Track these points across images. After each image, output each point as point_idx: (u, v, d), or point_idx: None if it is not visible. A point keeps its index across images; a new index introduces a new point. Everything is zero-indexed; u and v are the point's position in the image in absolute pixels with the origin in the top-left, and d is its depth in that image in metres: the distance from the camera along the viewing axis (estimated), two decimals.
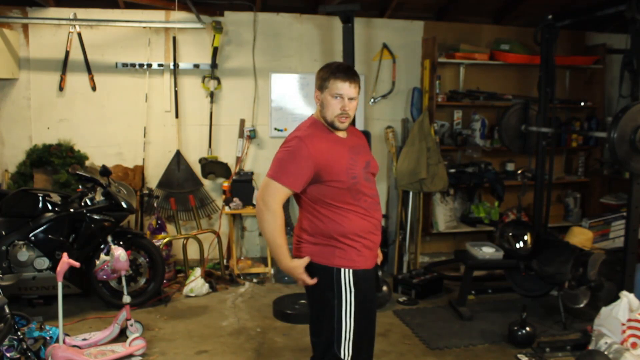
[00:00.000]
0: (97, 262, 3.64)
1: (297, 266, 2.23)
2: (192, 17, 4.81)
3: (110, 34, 4.88)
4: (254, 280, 4.85)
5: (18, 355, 2.96)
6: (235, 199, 4.87)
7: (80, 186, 4.11)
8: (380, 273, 2.47)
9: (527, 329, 3.58)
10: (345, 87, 2.20)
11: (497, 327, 3.87)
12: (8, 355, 2.92)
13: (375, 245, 2.34)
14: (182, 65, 4.98)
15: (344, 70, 2.23)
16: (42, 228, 3.87)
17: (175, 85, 4.96)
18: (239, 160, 5.13)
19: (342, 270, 2.21)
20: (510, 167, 5.51)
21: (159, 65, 4.95)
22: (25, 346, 2.97)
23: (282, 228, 2.21)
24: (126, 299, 3.50)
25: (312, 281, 2.23)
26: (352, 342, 2.23)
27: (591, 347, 3.33)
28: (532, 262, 4.14)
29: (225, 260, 4.96)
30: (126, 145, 5.02)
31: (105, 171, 3.98)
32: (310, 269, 2.27)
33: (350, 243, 2.23)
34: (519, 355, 3.46)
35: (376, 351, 3.49)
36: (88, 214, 3.91)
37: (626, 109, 3.27)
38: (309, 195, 2.24)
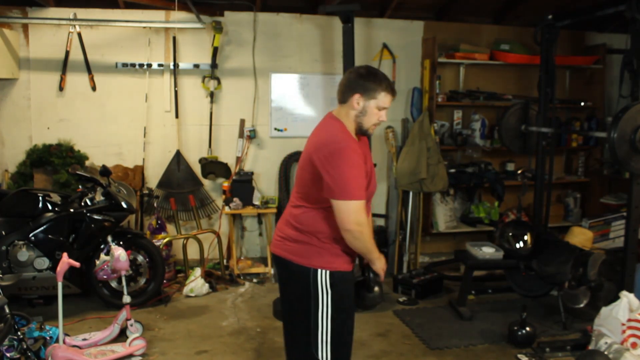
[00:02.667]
0: (97, 262, 3.64)
1: (382, 261, 2.33)
2: (192, 17, 4.81)
3: (110, 34, 4.88)
4: (254, 280, 4.85)
5: (18, 355, 2.96)
6: (235, 199, 4.87)
7: (80, 186, 4.11)
8: (372, 275, 2.46)
9: (527, 329, 3.58)
10: (389, 102, 2.25)
11: (497, 327, 3.87)
12: (8, 355, 2.92)
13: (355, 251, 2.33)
14: (182, 65, 4.99)
15: (393, 86, 2.27)
16: (42, 228, 3.87)
17: (175, 85, 4.96)
18: (239, 160, 5.13)
19: (320, 271, 2.20)
20: (510, 167, 5.51)
21: (159, 65, 4.95)
22: (25, 346, 2.97)
23: (370, 234, 2.24)
24: (126, 299, 3.49)
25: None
26: (330, 344, 2.22)
27: (591, 347, 3.33)
28: (532, 262, 4.14)
29: (225, 260, 4.96)
30: (126, 145, 5.02)
31: (105, 171, 3.98)
32: (288, 268, 2.27)
33: (334, 245, 2.23)
34: (519, 355, 3.46)
35: (376, 351, 3.51)
36: (88, 214, 3.91)
37: (626, 109, 3.27)
38: (322, 192, 2.18)
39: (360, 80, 2.21)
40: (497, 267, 4.59)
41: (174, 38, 4.93)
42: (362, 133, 2.28)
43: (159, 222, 4.83)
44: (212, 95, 5.03)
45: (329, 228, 2.21)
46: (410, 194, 5.07)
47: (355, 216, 2.11)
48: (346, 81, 2.26)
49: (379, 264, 2.30)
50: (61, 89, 4.85)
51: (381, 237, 5.08)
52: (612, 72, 5.67)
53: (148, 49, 4.93)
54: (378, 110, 2.23)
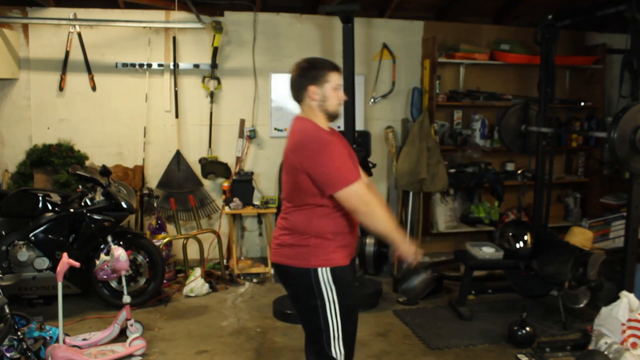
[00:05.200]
0: (97, 262, 3.64)
1: (407, 242, 2.27)
2: (192, 17, 4.81)
3: (110, 34, 4.88)
4: (254, 280, 4.85)
5: (18, 355, 2.96)
6: (235, 199, 4.87)
7: (80, 186, 4.10)
8: (402, 265, 2.48)
9: (527, 329, 3.57)
10: (340, 79, 2.31)
11: (497, 327, 3.87)
12: (8, 355, 2.92)
13: (351, 244, 2.36)
14: (182, 65, 4.99)
15: (335, 63, 2.33)
16: (42, 228, 3.87)
17: (175, 85, 4.96)
18: (239, 160, 5.13)
19: (320, 269, 2.22)
20: (510, 167, 5.50)
21: (159, 65, 4.95)
22: (25, 346, 2.97)
23: (387, 213, 2.24)
24: (126, 299, 3.49)
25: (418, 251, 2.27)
26: (342, 341, 2.24)
27: (591, 347, 3.33)
28: (532, 262, 4.14)
29: (225, 260, 4.96)
30: (126, 145, 5.02)
31: (105, 171, 3.98)
32: (287, 273, 2.29)
33: (329, 243, 2.23)
34: (519, 355, 3.46)
35: (376, 351, 3.51)
36: (88, 214, 3.91)
37: (626, 109, 3.27)
38: (308, 193, 2.22)
39: (307, 72, 2.28)
40: (497, 267, 4.59)
41: (174, 38, 4.93)
42: (332, 117, 2.32)
43: (159, 222, 4.83)
44: (212, 95, 5.03)
45: (320, 226, 2.23)
46: (410, 194, 5.07)
47: (359, 198, 2.15)
48: (295, 80, 2.32)
49: (403, 246, 2.25)
50: (61, 89, 4.85)
51: (381, 237, 5.07)
52: (612, 72, 5.67)
53: (148, 49, 4.93)
54: (335, 91, 2.29)
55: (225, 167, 5.02)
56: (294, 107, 5.37)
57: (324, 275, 2.21)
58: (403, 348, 3.60)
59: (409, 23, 5.35)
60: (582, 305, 3.84)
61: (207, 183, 5.15)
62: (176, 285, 4.68)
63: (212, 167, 5.00)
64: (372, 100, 5.34)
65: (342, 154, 2.20)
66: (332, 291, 2.22)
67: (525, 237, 4.56)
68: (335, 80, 2.28)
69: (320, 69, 2.28)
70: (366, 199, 2.17)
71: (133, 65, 4.91)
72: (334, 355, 2.24)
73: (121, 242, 3.99)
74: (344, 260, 2.28)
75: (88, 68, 4.86)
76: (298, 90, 2.31)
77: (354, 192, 2.14)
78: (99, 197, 3.99)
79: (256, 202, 4.94)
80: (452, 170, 5.15)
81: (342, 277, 2.24)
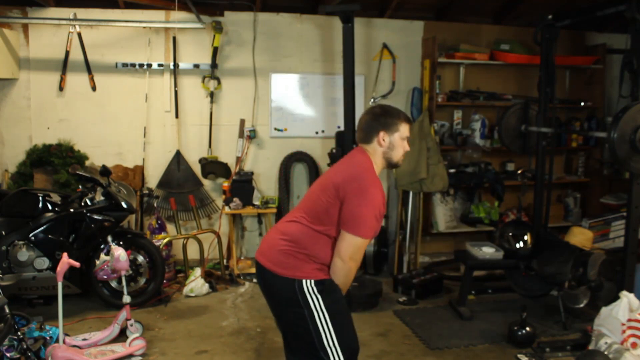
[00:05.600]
0: (97, 262, 3.64)
1: None
2: (192, 17, 4.81)
3: (110, 34, 4.88)
4: (254, 280, 4.85)
5: (18, 355, 2.96)
6: (235, 199, 4.87)
7: (80, 186, 4.11)
8: None
9: (527, 329, 3.57)
10: (409, 132, 2.38)
11: (497, 327, 3.87)
12: (8, 355, 2.92)
13: None
14: (182, 65, 4.99)
15: (407, 115, 2.41)
16: (42, 228, 3.87)
17: (175, 85, 4.97)
18: (239, 160, 5.13)
19: (304, 281, 2.20)
20: (510, 167, 5.50)
21: (159, 65, 4.95)
22: (25, 346, 2.97)
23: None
24: (126, 299, 3.49)
25: None
26: (338, 345, 2.21)
27: (591, 347, 3.33)
28: (532, 262, 4.14)
29: (225, 260, 4.96)
30: (126, 145, 5.02)
31: (105, 171, 3.98)
32: (271, 278, 2.26)
33: (314, 265, 2.24)
34: (519, 355, 3.46)
35: (376, 351, 3.51)
36: (88, 214, 3.91)
37: (626, 109, 3.27)
38: (329, 219, 2.23)
39: (380, 118, 2.33)
40: (497, 267, 4.59)
41: (174, 38, 4.93)
42: (392, 167, 2.39)
43: (159, 222, 4.83)
44: (212, 95, 5.03)
45: (323, 255, 2.24)
46: (410, 194, 5.06)
47: (356, 252, 2.22)
48: (366, 124, 2.35)
49: None
50: (61, 89, 4.85)
51: (381, 237, 5.08)
52: (612, 72, 5.67)
53: (148, 49, 4.93)
54: (402, 141, 2.34)
55: (225, 167, 5.02)
56: (293, 107, 5.35)
57: (309, 286, 2.20)
58: (403, 348, 3.60)
59: (409, 23, 5.35)
60: (582, 305, 3.85)
61: (207, 183, 5.15)
62: (176, 285, 4.68)
63: (212, 167, 5.00)
64: (372, 100, 5.34)
65: (380, 208, 2.23)
66: (318, 300, 2.20)
67: (525, 237, 4.56)
68: (405, 131, 2.34)
69: (394, 117, 2.33)
70: (357, 257, 2.24)
71: (133, 65, 4.92)
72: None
73: (121, 242, 4.00)
74: (327, 276, 2.28)
75: (88, 68, 4.86)
76: (368, 134, 2.34)
77: (356, 244, 2.19)
78: (99, 197, 3.99)
79: (256, 202, 4.94)
80: (452, 170, 5.15)
81: (327, 285, 2.23)
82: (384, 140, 2.30)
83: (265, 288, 2.35)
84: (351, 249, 2.20)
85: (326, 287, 2.22)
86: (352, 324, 2.33)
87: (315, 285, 2.21)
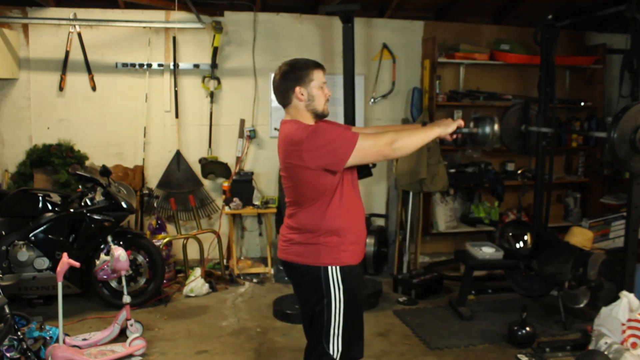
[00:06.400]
0: (97, 262, 3.64)
1: (445, 122, 2.27)
2: (192, 17, 4.81)
3: (110, 34, 4.88)
4: (254, 280, 4.85)
5: (18, 355, 2.96)
6: (235, 199, 4.87)
7: (80, 186, 4.11)
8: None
9: (527, 329, 3.57)
10: (324, 76, 2.31)
11: (497, 327, 3.87)
12: (8, 355, 2.92)
13: (362, 240, 2.36)
14: (182, 65, 4.99)
15: (316, 61, 2.32)
16: (42, 228, 3.87)
17: (175, 85, 4.96)
18: (239, 160, 5.13)
19: (330, 268, 2.22)
20: (510, 167, 5.50)
21: (159, 65, 4.95)
22: (25, 346, 2.97)
23: (408, 128, 2.31)
24: (126, 299, 3.49)
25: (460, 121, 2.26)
26: (340, 339, 2.25)
27: (591, 347, 3.33)
28: (532, 262, 4.14)
29: (225, 260, 4.96)
30: (126, 145, 5.02)
31: (105, 171, 3.98)
32: (297, 270, 2.29)
33: (338, 239, 2.23)
34: (519, 355, 3.46)
35: (376, 351, 3.51)
36: (88, 214, 3.91)
37: (626, 109, 3.26)
38: (314, 190, 2.21)
39: (290, 75, 2.27)
40: (497, 267, 4.59)
41: (174, 38, 4.93)
42: (320, 116, 2.32)
43: (159, 222, 4.83)
44: (212, 95, 5.03)
45: (329, 222, 2.23)
46: (410, 194, 5.06)
47: (374, 145, 2.13)
48: (279, 84, 2.30)
49: (444, 130, 2.24)
50: (61, 89, 4.85)
51: (381, 237, 5.08)
52: (612, 72, 5.67)
53: (148, 49, 4.93)
54: (321, 89, 2.28)
55: (225, 167, 5.01)
56: None
57: (333, 274, 2.22)
58: (403, 348, 3.60)
59: (409, 23, 5.35)
60: (582, 305, 3.85)
61: (207, 183, 5.15)
62: (176, 285, 4.68)
63: (212, 167, 5.00)
64: (372, 100, 5.34)
65: (333, 129, 2.18)
66: (340, 290, 2.22)
67: (525, 237, 4.56)
68: (319, 78, 2.28)
69: (303, 69, 2.27)
70: (380, 141, 2.13)
71: (133, 65, 4.91)
72: (331, 351, 2.25)
73: (121, 242, 4.00)
74: (354, 258, 2.29)
75: (88, 68, 4.86)
76: (283, 94, 2.29)
77: (363, 146, 2.12)
78: (99, 197, 3.99)
79: (256, 202, 4.94)
80: (452, 170, 5.15)
81: (351, 276, 2.25)
82: (302, 94, 2.26)
83: (294, 281, 2.38)
84: (371, 153, 2.14)
85: (349, 275, 2.24)
86: (362, 324, 2.36)
87: (340, 272, 2.22)
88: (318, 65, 2.30)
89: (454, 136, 2.31)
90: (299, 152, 2.16)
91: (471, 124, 2.42)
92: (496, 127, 2.41)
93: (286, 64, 2.31)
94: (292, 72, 2.27)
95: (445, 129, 2.24)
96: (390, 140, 2.14)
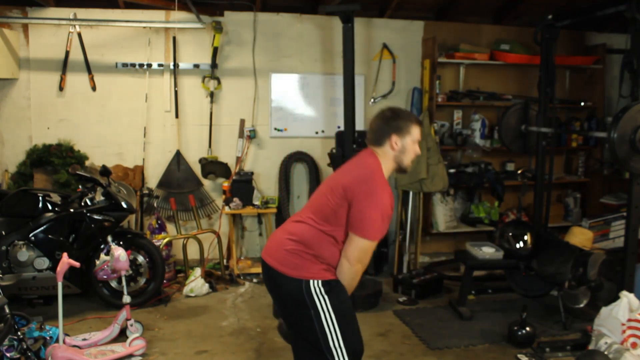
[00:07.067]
0: (97, 262, 3.64)
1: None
2: (192, 17, 4.81)
3: (110, 34, 4.88)
4: (254, 280, 4.85)
5: (18, 355, 2.96)
6: (235, 199, 4.87)
7: (80, 186, 4.10)
8: None
9: (527, 329, 3.57)
10: (420, 134, 2.36)
11: (497, 327, 3.87)
12: (8, 355, 2.92)
13: None
14: (182, 65, 4.99)
15: (418, 117, 2.41)
16: (42, 228, 3.87)
17: (175, 85, 4.97)
18: (239, 160, 5.13)
19: (311, 281, 2.21)
20: (510, 167, 5.50)
21: (159, 65, 4.95)
22: (25, 346, 2.97)
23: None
24: (126, 299, 3.49)
25: None
26: (344, 346, 2.22)
27: (591, 347, 3.33)
28: (532, 262, 4.14)
29: (225, 260, 4.96)
30: (126, 145, 5.02)
31: (105, 171, 3.98)
32: (278, 278, 2.26)
33: (321, 265, 2.24)
34: (519, 355, 3.46)
35: (376, 351, 3.51)
36: (88, 214, 3.91)
37: (626, 109, 3.27)
38: (337, 220, 2.23)
39: (392, 122, 2.31)
40: (497, 267, 4.59)
41: (174, 38, 4.93)
42: (402, 171, 2.37)
43: (159, 222, 4.83)
44: (212, 95, 5.03)
45: (330, 256, 2.24)
46: (410, 194, 5.06)
47: (363, 255, 2.23)
48: (377, 127, 2.34)
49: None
50: (61, 89, 4.85)
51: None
52: (612, 72, 5.67)
53: (148, 49, 4.93)
54: (413, 145, 2.33)
55: (225, 167, 5.02)
56: (293, 107, 5.36)
57: (315, 286, 2.20)
58: (403, 348, 3.60)
59: (409, 23, 5.35)
60: (582, 305, 3.85)
61: (207, 183, 5.15)
62: (176, 285, 4.68)
63: (212, 167, 5.00)
64: (372, 100, 5.34)
65: (388, 212, 2.22)
66: (325, 300, 2.20)
67: (525, 237, 4.56)
68: (416, 134, 2.32)
69: (406, 120, 2.32)
70: (365, 260, 2.25)
71: (133, 65, 4.91)
72: None
73: (121, 242, 4.00)
74: (334, 276, 2.28)
75: (88, 68, 4.86)
76: (379, 137, 2.33)
77: (364, 247, 2.20)
78: (99, 197, 3.99)
79: (256, 202, 4.94)
80: (452, 170, 5.15)
81: (334, 286, 2.24)
82: (396, 144, 2.29)
83: (272, 288, 2.35)
84: (358, 252, 2.20)
85: (333, 288, 2.23)
86: (357, 326, 2.33)
87: (322, 285, 2.21)
88: (419, 122, 2.35)
89: None
90: (361, 190, 2.19)
91: None
92: None
93: (391, 109, 2.37)
94: (394, 119, 2.31)
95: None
96: (360, 270, 2.27)
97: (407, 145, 2.31)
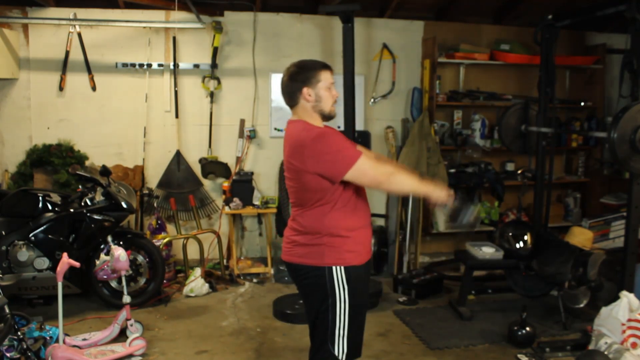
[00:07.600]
0: (97, 262, 3.64)
1: (437, 187, 2.27)
2: (192, 17, 4.81)
3: (110, 34, 4.88)
4: (254, 280, 4.85)
5: (18, 355, 2.96)
6: (235, 199, 4.87)
7: (80, 186, 4.10)
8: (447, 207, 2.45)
9: (527, 329, 3.57)
10: (332, 77, 2.31)
11: (497, 327, 3.87)
12: (8, 355, 2.92)
13: (367, 241, 2.35)
14: (182, 65, 4.99)
15: (324, 62, 2.33)
16: (42, 228, 3.87)
17: (175, 85, 4.96)
18: (239, 160, 5.13)
19: (334, 268, 2.22)
20: (510, 167, 5.50)
21: (159, 65, 4.95)
22: (25, 346, 2.97)
23: (408, 172, 2.28)
24: (126, 299, 3.49)
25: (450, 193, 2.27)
26: (346, 338, 2.24)
27: (591, 347, 3.33)
28: (532, 262, 4.14)
29: (225, 260, 4.96)
30: (126, 145, 5.02)
31: (105, 171, 3.98)
32: (300, 272, 2.29)
33: (343, 241, 2.23)
34: (519, 355, 3.46)
35: (376, 351, 3.51)
36: (88, 214, 3.91)
37: (626, 109, 3.27)
38: (317, 192, 2.22)
39: (298, 76, 2.27)
40: (497, 267, 4.59)
41: (174, 38, 4.93)
42: (328, 118, 2.33)
43: (159, 222, 4.83)
44: (212, 95, 5.03)
45: (333, 222, 2.23)
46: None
47: (371, 170, 2.18)
48: (286, 85, 2.31)
49: (435, 194, 2.25)
50: (61, 89, 4.85)
51: (381, 237, 5.08)
52: (612, 72, 5.67)
53: (148, 49, 4.93)
54: (328, 90, 2.29)
55: (225, 167, 5.02)
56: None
57: (338, 274, 2.22)
58: (403, 348, 3.60)
59: (409, 23, 5.35)
60: (582, 305, 3.85)
61: (207, 183, 5.15)
62: (176, 285, 4.68)
63: (212, 167, 5.00)
64: (372, 100, 5.34)
65: (338, 140, 2.19)
66: (344, 290, 2.22)
67: (525, 237, 4.56)
68: (327, 79, 2.28)
69: (311, 69, 2.27)
70: (379, 169, 2.20)
71: (133, 65, 4.91)
72: (336, 352, 2.24)
73: (121, 242, 4.00)
74: (358, 259, 2.28)
75: (88, 68, 4.86)
76: (291, 95, 2.30)
77: (362, 167, 2.15)
78: (99, 197, 3.99)
79: (256, 202, 4.94)
80: (452, 170, 5.15)
81: (356, 276, 2.24)
82: (309, 95, 2.26)
83: (298, 282, 2.37)
84: (367, 175, 2.17)
85: (353, 276, 2.23)
86: (364, 325, 2.35)
87: (344, 272, 2.22)
88: (326, 66, 2.30)
89: (437, 204, 2.32)
90: (301, 154, 2.17)
91: (455, 203, 2.44)
92: (472, 218, 2.47)
93: (294, 64, 2.32)
94: (299, 73, 2.27)
95: (437, 195, 2.26)
96: (390, 172, 2.22)
97: (321, 92, 2.27)
